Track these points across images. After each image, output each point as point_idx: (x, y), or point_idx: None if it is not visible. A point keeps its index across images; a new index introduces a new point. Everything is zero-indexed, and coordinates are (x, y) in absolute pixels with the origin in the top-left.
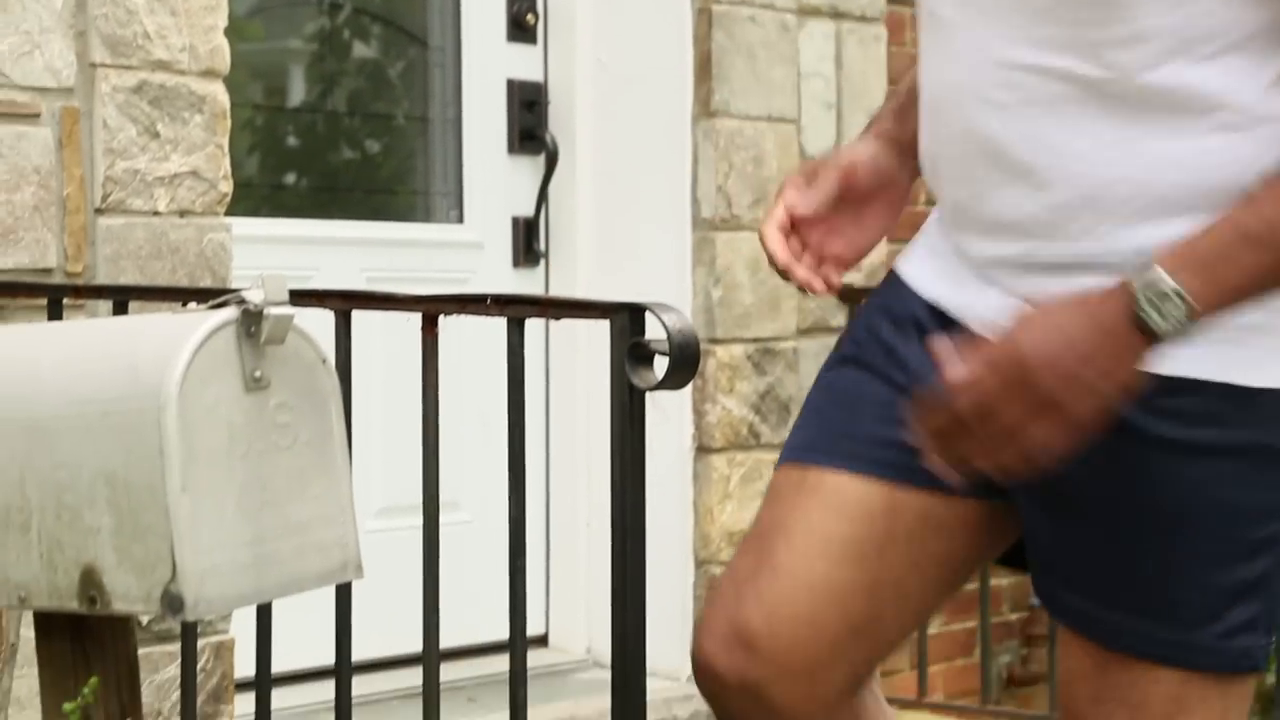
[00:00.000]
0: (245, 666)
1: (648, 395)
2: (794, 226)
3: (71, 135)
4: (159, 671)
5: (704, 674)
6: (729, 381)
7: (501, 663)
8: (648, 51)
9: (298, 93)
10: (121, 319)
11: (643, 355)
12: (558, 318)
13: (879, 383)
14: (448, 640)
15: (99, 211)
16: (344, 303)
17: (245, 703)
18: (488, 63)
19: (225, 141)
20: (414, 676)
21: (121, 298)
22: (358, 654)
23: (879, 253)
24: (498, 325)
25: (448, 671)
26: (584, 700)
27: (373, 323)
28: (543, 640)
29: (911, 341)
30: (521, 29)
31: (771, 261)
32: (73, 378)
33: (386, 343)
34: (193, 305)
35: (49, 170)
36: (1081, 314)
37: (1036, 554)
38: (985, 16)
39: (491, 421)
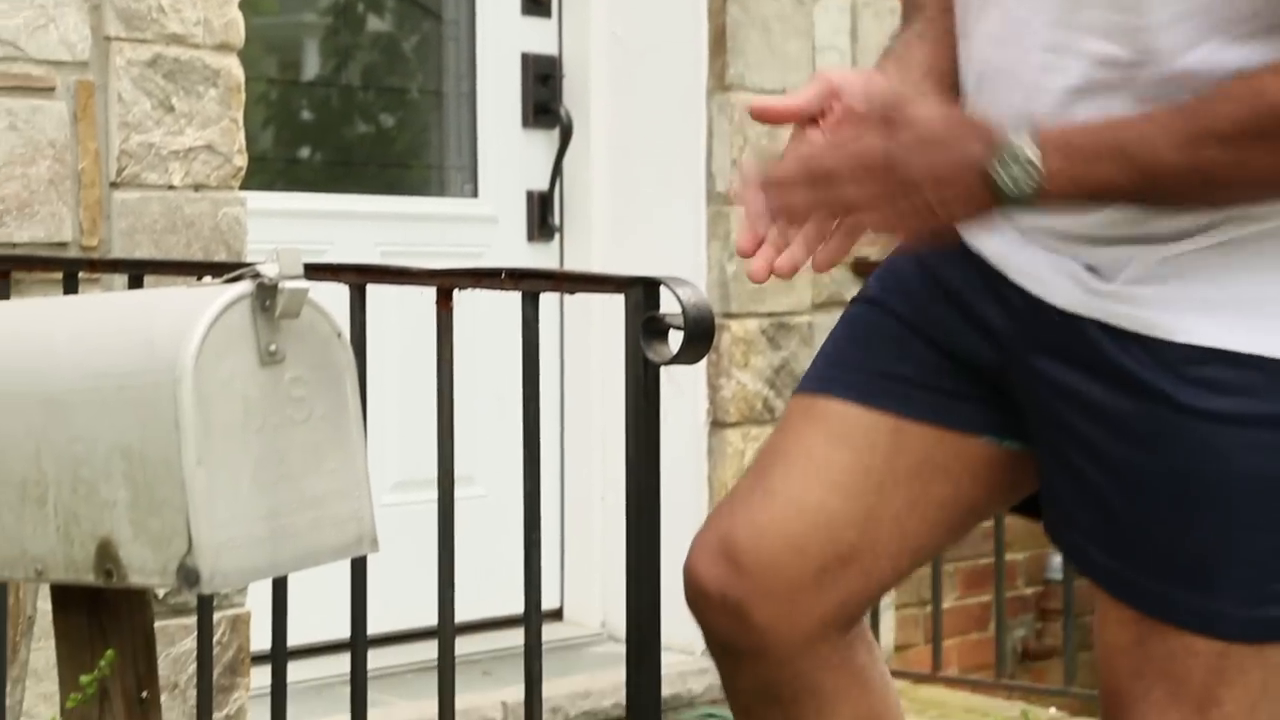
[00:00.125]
0: (261, 639)
1: (662, 369)
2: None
3: (86, 109)
4: (175, 644)
5: (690, 586)
6: (744, 356)
7: (516, 636)
8: (662, 25)
9: (312, 66)
10: (137, 293)
11: (657, 329)
12: (572, 292)
13: (894, 321)
14: (462, 614)
15: (114, 185)
16: (359, 277)
17: (261, 675)
18: (502, 36)
19: (240, 115)
20: (429, 650)
21: (137, 271)
22: (373, 627)
23: None
24: (512, 299)
25: (463, 645)
26: (599, 674)
27: (387, 297)
28: (558, 614)
29: (938, 301)
30: (536, 3)
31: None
32: (88, 351)
33: (401, 317)
34: (208, 279)
35: (64, 144)
36: (952, 141)
37: (1055, 507)
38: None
39: (506, 396)
